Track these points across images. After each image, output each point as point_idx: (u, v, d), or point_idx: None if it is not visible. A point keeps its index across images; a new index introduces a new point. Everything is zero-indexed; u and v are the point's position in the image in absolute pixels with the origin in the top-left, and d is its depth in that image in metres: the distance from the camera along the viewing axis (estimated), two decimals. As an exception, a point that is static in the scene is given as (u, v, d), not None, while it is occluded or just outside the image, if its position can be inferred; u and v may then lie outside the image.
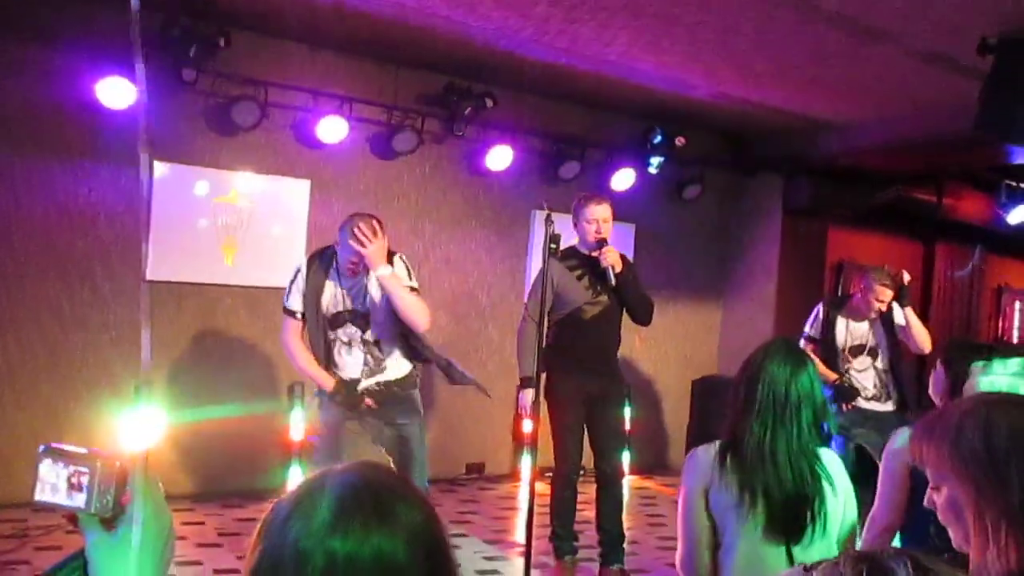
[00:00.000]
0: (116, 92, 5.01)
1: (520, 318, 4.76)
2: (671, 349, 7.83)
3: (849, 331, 5.41)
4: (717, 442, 2.35)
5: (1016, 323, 11.18)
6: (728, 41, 5.12)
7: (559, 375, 4.46)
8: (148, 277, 5.42)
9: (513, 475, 6.85)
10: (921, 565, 0.73)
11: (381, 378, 4.07)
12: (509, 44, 5.49)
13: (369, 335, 4.03)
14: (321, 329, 4.00)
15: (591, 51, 5.49)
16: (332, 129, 5.77)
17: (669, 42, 5.22)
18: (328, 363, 4.04)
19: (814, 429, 2.32)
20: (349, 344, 4.04)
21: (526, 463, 6.55)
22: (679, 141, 6.97)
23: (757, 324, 7.82)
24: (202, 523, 5.14)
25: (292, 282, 4.03)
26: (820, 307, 5.62)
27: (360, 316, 4.01)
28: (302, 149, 5.96)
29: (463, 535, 5.34)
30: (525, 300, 4.76)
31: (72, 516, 0.97)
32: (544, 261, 4.01)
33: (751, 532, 2.22)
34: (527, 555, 4.04)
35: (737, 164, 7.90)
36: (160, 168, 5.48)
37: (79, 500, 0.95)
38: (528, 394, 4.36)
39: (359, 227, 3.77)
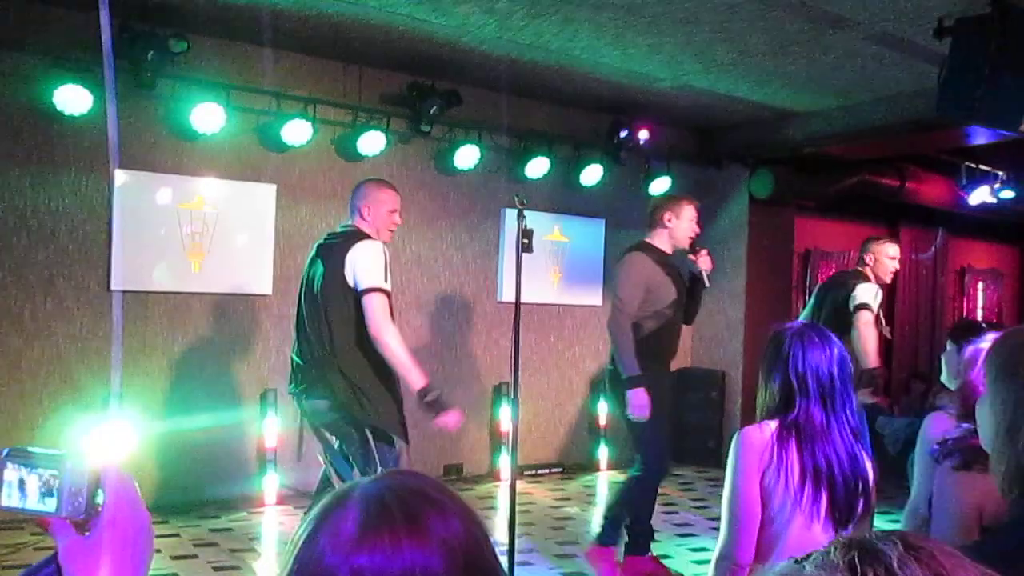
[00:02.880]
0: (74, 99, 4.92)
1: (612, 312, 4.48)
2: (644, 342, 7.85)
3: None
4: (770, 422, 2.30)
5: (979, 303, 11.38)
6: (690, 32, 5.15)
7: (653, 373, 4.36)
8: (113, 287, 5.32)
9: (492, 475, 6.83)
10: (912, 544, 0.71)
11: None
12: (472, 40, 5.48)
13: None
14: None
15: (555, 46, 5.49)
16: (297, 132, 5.71)
17: (633, 35, 5.23)
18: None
19: (848, 406, 2.31)
20: None
21: (506, 462, 6.54)
22: (644, 134, 6.99)
23: (728, 315, 7.87)
24: (176, 535, 5.05)
25: (386, 263, 3.68)
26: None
27: None
28: (267, 153, 5.90)
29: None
30: (619, 293, 4.44)
31: (43, 521, 0.93)
32: (517, 257, 3.99)
33: (811, 516, 2.19)
34: (510, 554, 4.03)
35: (703, 156, 7.94)
36: (122, 175, 5.38)
37: (50, 504, 0.91)
38: (641, 393, 4.21)
39: None
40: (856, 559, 0.71)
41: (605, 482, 7.07)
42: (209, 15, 5.21)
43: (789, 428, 2.25)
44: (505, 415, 6.66)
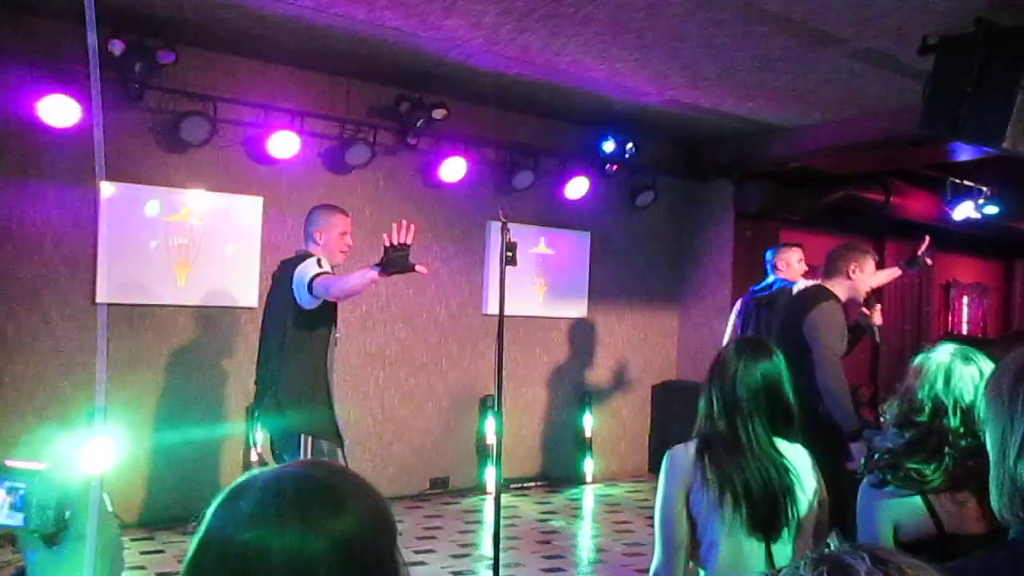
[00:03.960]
0: (60, 110, 4.90)
1: (824, 364, 4.06)
2: (630, 356, 7.87)
3: None
4: (694, 441, 2.34)
5: (964, 317, 11.45)
6: (676, 47, 5.18)
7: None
8: (99, 299, 5.29)
9: (479, 488, 6.81)
10: (879, 558, 0.73)
11: None
12: (460, 54, 5.49)
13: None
14: (329, 330, 4.05)
15: (542, 60, 5.51)
16: (284, 144, 5.71)
17: (619, 49, 5.26)
18: (327, 366, 4.01)
19: (782, 423, 2.33)
20: (333, 345, 4.10)
21: (492, 475, 6.52)
22: (630, 148, 7.03)
23: (714, 328, 7.88)
24: (161, 551, 5.01)
25: (320, 262, 3.94)
26: None
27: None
28: (254, 165, 5.89)
29: (430, 551, 5.28)
30: (828, 343, 4.10)
31: (11, 535, 0.92)
32: (501, 269, 3.99)
33: (733, 530, 2.21)
34: (495, 568, 4.01)
35: (689, 170, 7.98)
36: (108, 188, 5.36)
37: (17, 518, 0.90)
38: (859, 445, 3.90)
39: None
40: (825, 574, 0.72)
41: (591, 495, 7.06)
42: (197, 27, 5.20)
43: (707, 445, 2.28)
44: (491, 428, 6.64)
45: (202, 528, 0.89)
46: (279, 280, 4.10)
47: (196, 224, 5.68)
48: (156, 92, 5.31)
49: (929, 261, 5.03)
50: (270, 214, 5.94)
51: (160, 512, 5.42)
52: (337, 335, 4.15)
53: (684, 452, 2.32)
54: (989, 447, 1.35)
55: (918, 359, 2.16)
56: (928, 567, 0.74)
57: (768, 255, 5.88)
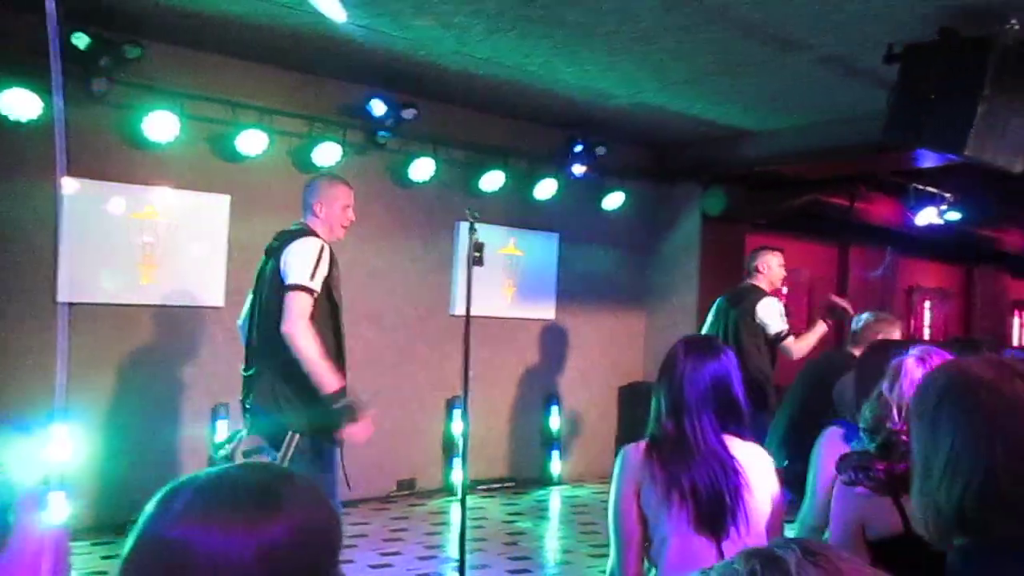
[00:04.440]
0: (22, 103, 4.81)
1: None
2: (597, 357, 7.89)
3: None
4: (646, 439, 2.35)
5: (927, 321, 11.64)
6: (645, 51, 5.21)
7: None
8: (62, 298, 5.19)
9: (445, 490, 6.79)
10: (810, 550, 0.75)
11: None
12: (430, 54, 5.48)
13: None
14: (334, 318, 3.63)
15: (512, 61, 5.51)
16: (252, 141, 5.65)
17: (588, 52, 5.28)
18: (333, 350, 3.59)
19: (731, 419, 2.34)
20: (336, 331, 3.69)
21: (458, 477, 6.51)
22: (600, 150, 7.07)
23: (680, 330, 7.92)
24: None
25: (317, 261, 3.52)
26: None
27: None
28: (221, 163, 5.82)
29: (396, 553, 5.26)
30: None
31: None
32: (468, 270, 3.99)
33: (681, 528, 2.23)
34: (461, 570, 4.00)
35: (657, 173, 8.03)
36: (71, 184, 5.26)
37: None
38: None
39: None
40: (757, 567, 0.74)
41: (558, 496, 7.07)
42: (164, 22, 5.14)
43: (655, 444, 2.31)
44: (458, 429, 6.63)
45: (138, 525, 0.89)
46: (274, 253, 3.65)
47: (162, 222, 5.60)
48: (121, 87, 5.23)
49: (849, 309, 5.25)
50: (237, 212, 5.88)
51: (122, 515, 5.33)
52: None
53: (635, 451, 2.34)
54: (916, 464, 1.33)
55: (893, 361, 2.18)
56: (860, 562, 0.76)
57: (750, 258, 5.78)
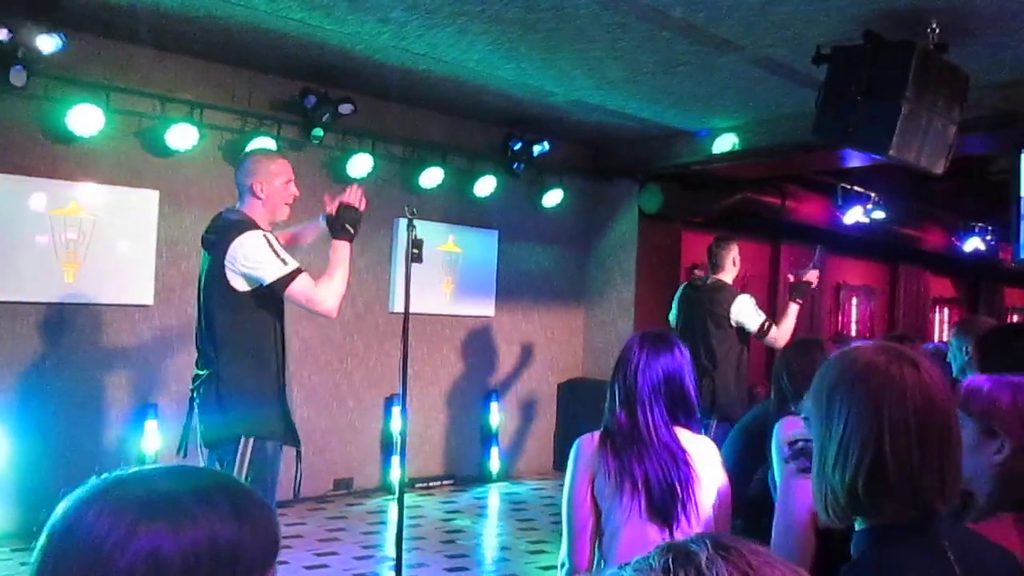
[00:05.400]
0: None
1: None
2: (536, 353, 7.92)
3: None
4: (600, 430, 2.39)
5: (853, 317, 11.98)
6: (583, 49, 5.23)
7: None
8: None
9: (383, 488, 6.73)
10: (721, 544, 0.76)
11: None
12: (367, 49, 5.41)
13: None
14: (278, 307, 3.48)
15: (450, 57, 5.48)
16: (182, 136, 5.51)
17: (526, 49, 5.28)
18: (277, 349, 3.45)
19: (682, 412, 2.38)
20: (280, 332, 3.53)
21: (396, 475, 6.46)
22: (540, 147, 7.09)
23: (618, 326, 8.03)
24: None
25: (272, 246, 3.34)
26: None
27: None
28: (149, 158, 5.66)
29: (333, 553, 5.19)
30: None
31: None
32: (407, 267, 3.95)
33: (634, 517, 2.27)
34: (398, 569, 3.97)
35: (595, 170, 8.10)
36: (-12, 178, 5.06)
37: None
38: None
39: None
40: (670, 561, 0.75)
41: (496, 493, 7.08)
42: (88, 12, 4.96)
43: (608, 435, 2.36)
44: (396, 427, 6.58)
45: (51, 531, 0.88)
46: (211, 247, 3.42)
47: (86, 218, 5.42)
48: (43, 79, 5.04)
49: (812, 280, 5.54)
50: (167, 209, 5.73)
51: (43, 521, 5.14)
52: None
53: (589, 441, 2.38)
54: (813, 452, 1.37)
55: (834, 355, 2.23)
56: (772, 555, 0.77)
57: (718, 251, 5.66)
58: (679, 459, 2.31)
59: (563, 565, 2.36)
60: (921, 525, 1.28)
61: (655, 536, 2.26)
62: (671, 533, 2.27)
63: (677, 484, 2.28)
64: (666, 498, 2.27)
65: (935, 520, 1.29)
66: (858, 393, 1.31)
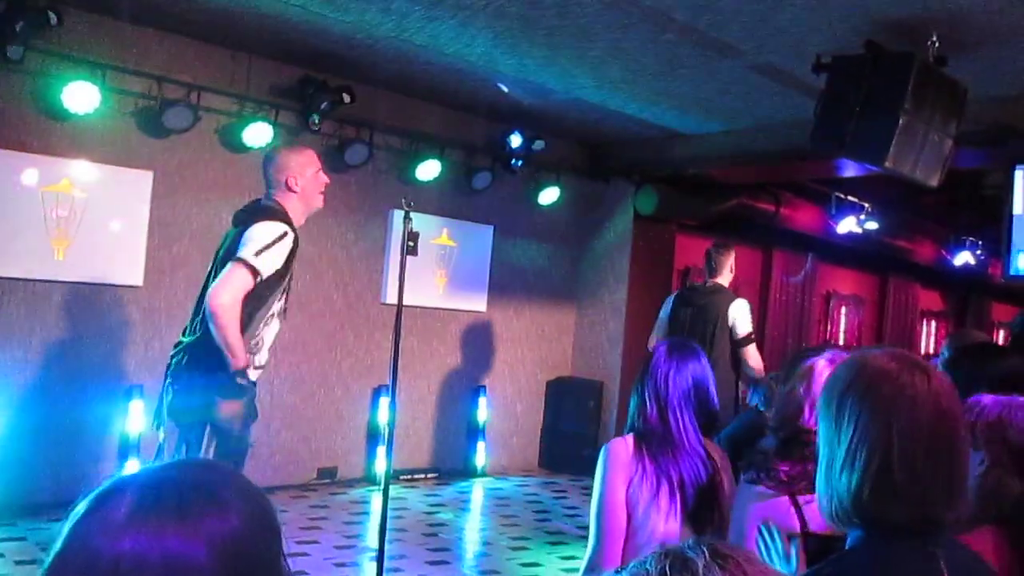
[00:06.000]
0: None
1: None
2: (526, 350, 7.92)
3: None
4: (631, 435, 2.41)
5: (842, 326, 12.03)
6: (585, 48, 5.23)
7: None
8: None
9: (367, 479, 6.73)
10: (719, 552, 0.77)
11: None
12: (368, 38, 5.40)
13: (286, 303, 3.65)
14: (271, 296, 3.47)
15: (451, 49, 5.47)
16: (178, 117, 5.49)
17: (528, 45, 5.27)
18: (252, 334, 3.44)
19: (705, 420, 2.43)
20: (274, 315, 3.56)
21: (381, 466, 6.45)
22: (538, 144, 7.08)
23: (609, 326, 8.04)
24: (23, 538, 4.74)
25: (278, 241, 3.38)
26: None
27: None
28: (144, 138, 5.63)
29: (314, 541, 5.18)
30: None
31: None
32: (401, 259, 3.94)
33: (671, 520, 2.29)
34: (380, 561, 3.97)
35: (592, 170, 8.10)
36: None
37: None
38: None
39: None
40: (667, 567, 0.76)
41: (481, 488, 7.08)
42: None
43: (642, 438, 2.38)
44: (383, 418, 6.57)
45: (61, 542, 0.81)
46: (239, 223, 3.50)
47: (78, 196, 5.39)
48: (39, 55, 5.01)
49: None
50: (160, 190, 5.70)
51: (25, 497, 5.13)
52: (284, 306, 3.61)
53: (624, 445, 2.39)
54: (819, 456, 1.38)
55: (806, 363, 2.25)
56: (765, 564, 0.78)
57: (716, 256, 5.70)
58: (707, 464, 2.36)
59: (591, 569, 2.34)
60: (920, 529, 1.27)
61: (687, 539, 2.26)
62: (701, 536, 2.29)
63: (708, 488, 2.33)
64: (701, 501, 2.32)
65: (937, 530, 1.28)
66: (869, 399, 1.31)
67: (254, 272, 3.35)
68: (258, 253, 3.35)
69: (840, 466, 1.31)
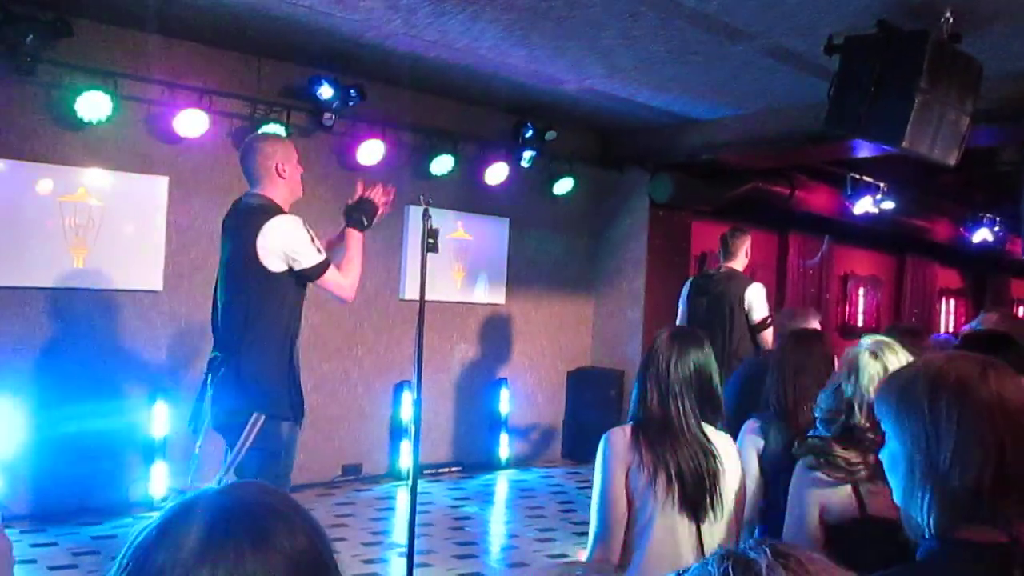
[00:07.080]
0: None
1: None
2: (546, 341, 7.93)
3: None
4: (629, 424, 2.41)
5: (860, 308, 11.96)
6: (595, 37, 5.21)
7: None
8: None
9: (392, 475, 6.76)
10: (780, 551, 0.77)
11: None
12: (377, 36, 5.40)
13: None
14: (303, 291, 3.54)
15: (461, 44, 5.46)
16: (191, 123, 5.51)
17: (538, 36, 5.26)
18: (297, 332, 3.51)
19: (708, 408, 2.41)
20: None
21: (406, 462, 6.48)
22: (550, 135, 7.07)
23: (628, 315, 8.03)
24: (54, 544, 4.80)
25: (302, 229, 3.39)
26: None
27: None
28: (158, 144, 5.66)
29: (341, 539, 5.21)
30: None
31: None
32: (422, 256, 3.95)
33: (667, 510, 2.29)
34: (409, 556, 3.99)
35: (606, 159, 8.08)
36: (-2, 164, 5.07)
37: None
38: None
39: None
40: (730, 568, 0.76)
41: (505, 481, 7.10)
42: (98, 1, 4.96)
43: (640, 427, 2.37)
44: (406, 414, 6.60)
45: (126, 571, 0.79)
46: (235, 232, 3.43)
47: (95, 204, 5.42)
48: (51, 66, 5.04)
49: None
50: (176, 195, 5.73)
51: (53, 504, 5.19)
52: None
53: (621, 434, 2.39)
54: (902, 458, 1.32)
55: (848, 354, 2.25)
56: (828, 562, 0.78)
57: (731, 241, 5.73)
58: (708, 452, 2.34)
59: (595, 558, 2.36)
60: (1004, 548, 1.23)
61: (685, 528, 2.29)
62: (699, 526, 2.30)
63: (707, 477, 2.31)
64: (698, 490, 2.30)
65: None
66: (964, 404, 1.28)
67: (327, 259, 3.48)
68: (311, 249, 3.39)
69: (949, 462, 1.26)
